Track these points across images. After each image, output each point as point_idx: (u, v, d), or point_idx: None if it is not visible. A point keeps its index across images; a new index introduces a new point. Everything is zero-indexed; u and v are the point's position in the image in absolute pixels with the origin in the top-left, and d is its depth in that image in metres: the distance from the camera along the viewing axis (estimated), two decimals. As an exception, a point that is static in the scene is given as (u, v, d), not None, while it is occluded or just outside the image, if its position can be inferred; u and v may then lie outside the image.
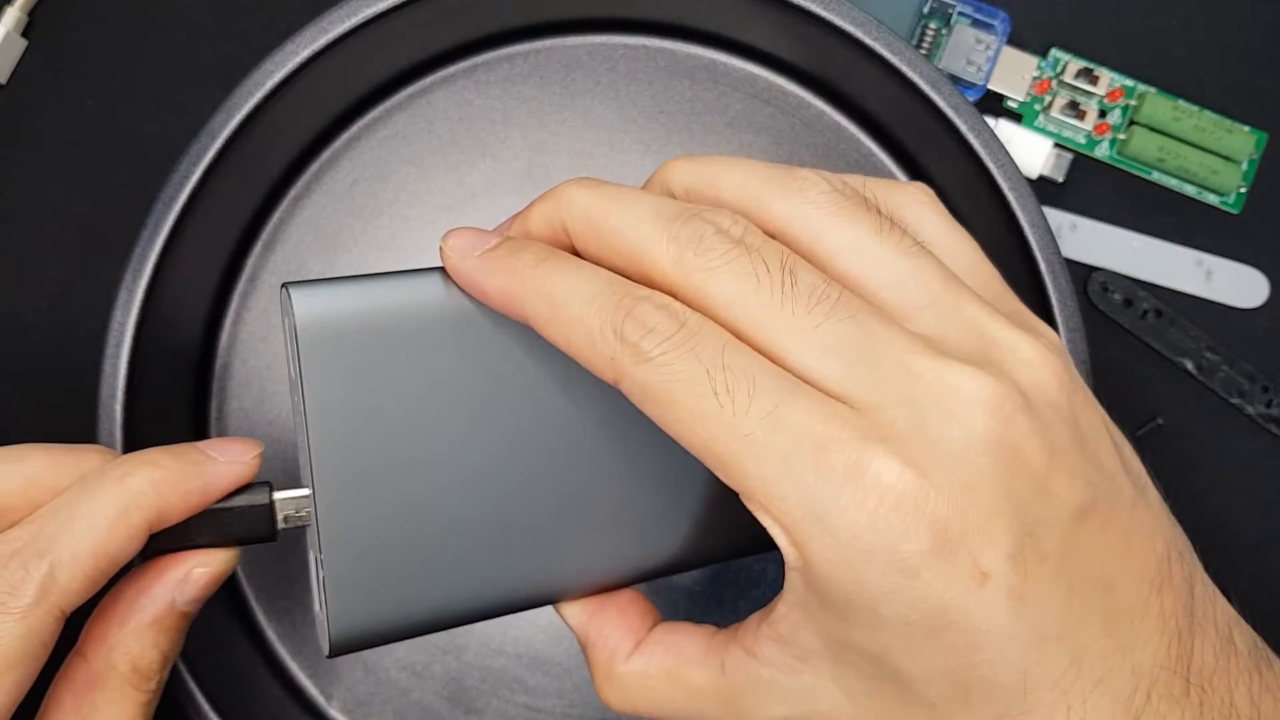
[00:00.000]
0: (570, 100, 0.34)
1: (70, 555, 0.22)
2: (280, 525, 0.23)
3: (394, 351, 0.22)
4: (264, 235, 0.33)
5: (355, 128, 0.33)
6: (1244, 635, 0.22)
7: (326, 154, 0.33)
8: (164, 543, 0.23)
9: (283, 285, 0.22)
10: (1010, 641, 0.20)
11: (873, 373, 0.20)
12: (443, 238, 0.23)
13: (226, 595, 0.32)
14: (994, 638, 0.20)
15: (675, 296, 0.21)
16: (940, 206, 0.24)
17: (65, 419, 0.34)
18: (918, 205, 0.24)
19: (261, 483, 0.23)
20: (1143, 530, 0.22)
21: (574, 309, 0.21)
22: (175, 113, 0.36)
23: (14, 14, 0.36)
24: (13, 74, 0.37)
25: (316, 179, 0.33)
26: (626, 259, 0.22)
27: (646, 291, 0.21)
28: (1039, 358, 0.21)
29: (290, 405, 0.33)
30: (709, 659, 0.23)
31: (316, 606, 0.24)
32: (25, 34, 0.37)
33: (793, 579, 0.21)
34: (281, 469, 0.32)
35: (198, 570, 0.23)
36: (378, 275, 0.23)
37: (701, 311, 0.21)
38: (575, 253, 0.23)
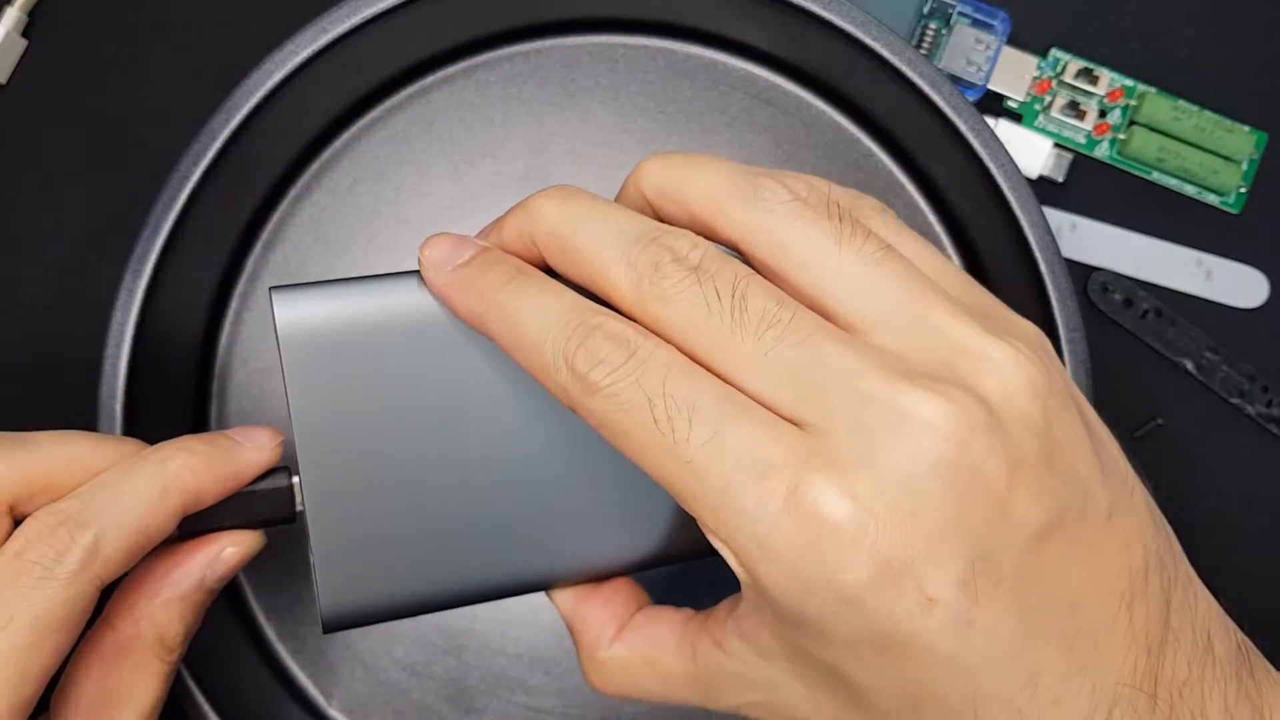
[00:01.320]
0: (570, 100, 0.34)
1: (114, 528, 0.23)
2: (298, 508, 0.25)
3: (373, 350, 0.24)
4: (264, 235, 0.33)
5: (355, 128, 0.33)
6: (1225, 640, 0.22)
7: (326, 154, 0.33)
8: (194, 524, 0.24)
9: (270, 289, 0.23)
10: (956, 664, 0.20)
11: (823, 397, 0.20)
12: (421, 246, 0.24)
13: (226, 595, 0.32)
14: (940, 660, 0.20)
15: (634, 319, 0.21)
16: (895, 216, 0.24)
17: (65, 419, 0.34)
18: (875, 213, 0.24)
19: (282, 468, 0.25)
20: (1118, 541, 0.21)
21: (531, 337, 0.22)
22: (175, 113, 0.36)
23: (14, 14, 0.36)
24: (12, 74, 0.37)
25: (316, 179, 0.33)
26: (588, 280, 0.22)
27: (601, 318, 0.21)
28: (1011, 365, 0.21)
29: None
30: (683, 647, 0.24)
31: (315, 589, 0.25)
32: (25, 34, 0.37)
33: (747, 593, 0.21)
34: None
35: (229, 550, 0.25)
36: (360, 279, 0.24)
37: (659, 336, 0.21)
38: (547, 266, 0.24)
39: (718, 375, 0.21)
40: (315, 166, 0.33)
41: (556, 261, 0.23)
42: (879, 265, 0.21)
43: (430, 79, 0.34)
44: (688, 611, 0.25)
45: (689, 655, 0.24)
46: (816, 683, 0.22)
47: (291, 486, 0.25)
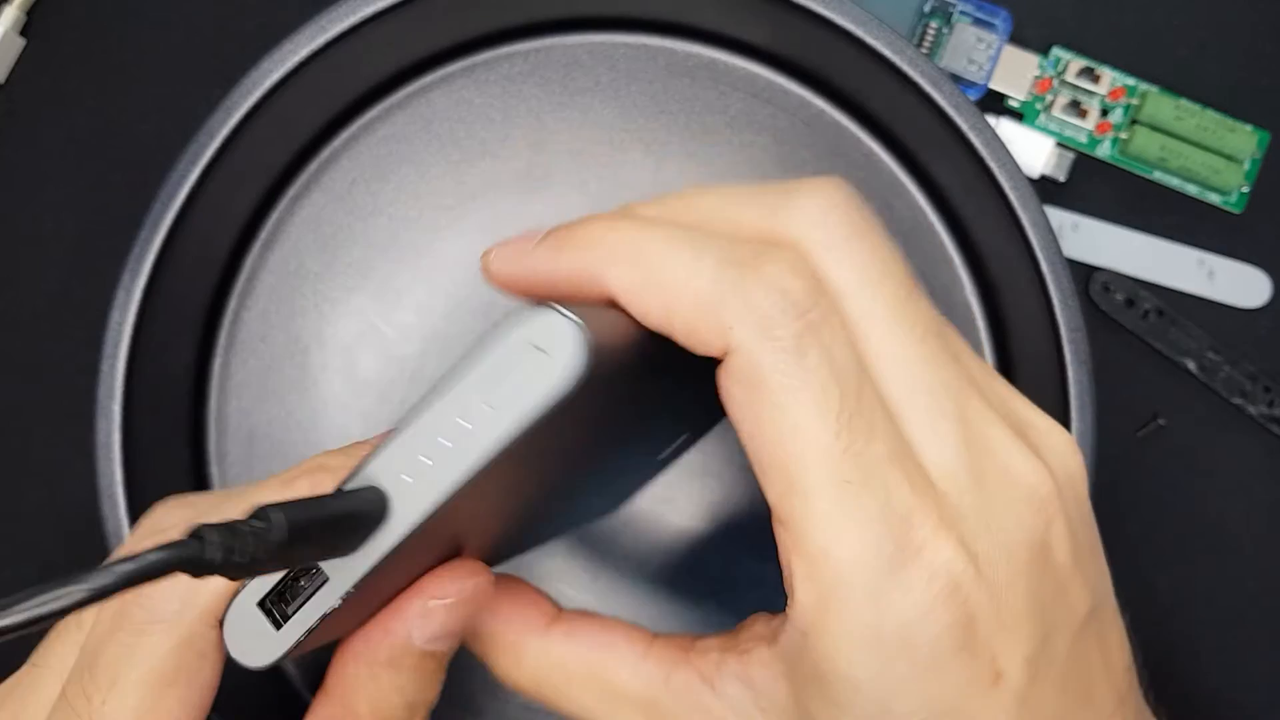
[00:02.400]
0: (570, 99, 0.33)
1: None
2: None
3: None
4: (262, 235, 0.33)
5: (354, 127, 0.33)
6: None
7: (325, 153, 0.33)
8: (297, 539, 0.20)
9: (552, 308, 0.18)
10: None
11: (961, 429, 0.19)
12: (483, 256, 0.21)
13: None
14: None
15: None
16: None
17: (64, 419, 0.34)
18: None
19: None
20: (1118, 639, 0.21)
21: (674, 268, 0.18)
22: (173, 112, 0.36)
23: (12, 13, 0.36)
24: (11, 73, 0.37)
25: (315, 178, 0.33)
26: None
27: (765, 245, 0.18)
28: (1069, 450, 0.20)
29: (285, 407, 0.33)
30: (646, 667, 0.21)
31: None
32: (24, 33, 0.37)
33: (792, 639, 0.19)
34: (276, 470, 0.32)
35: (433, 602, 0.21)
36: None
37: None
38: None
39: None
40: (314, 166, 0.33)
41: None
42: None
43: (429, 78, 0.33)
44: (645, 631, 0.22)
45: (657, 679, 0.21)
46: None
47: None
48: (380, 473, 0.19)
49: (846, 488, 0.18)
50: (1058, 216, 0.36)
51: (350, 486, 0.19)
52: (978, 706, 0.19)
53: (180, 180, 0.31)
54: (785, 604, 0.20)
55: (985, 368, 0.21)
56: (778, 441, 0.18)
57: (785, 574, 0.19)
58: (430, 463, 0.19)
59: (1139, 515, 0.35)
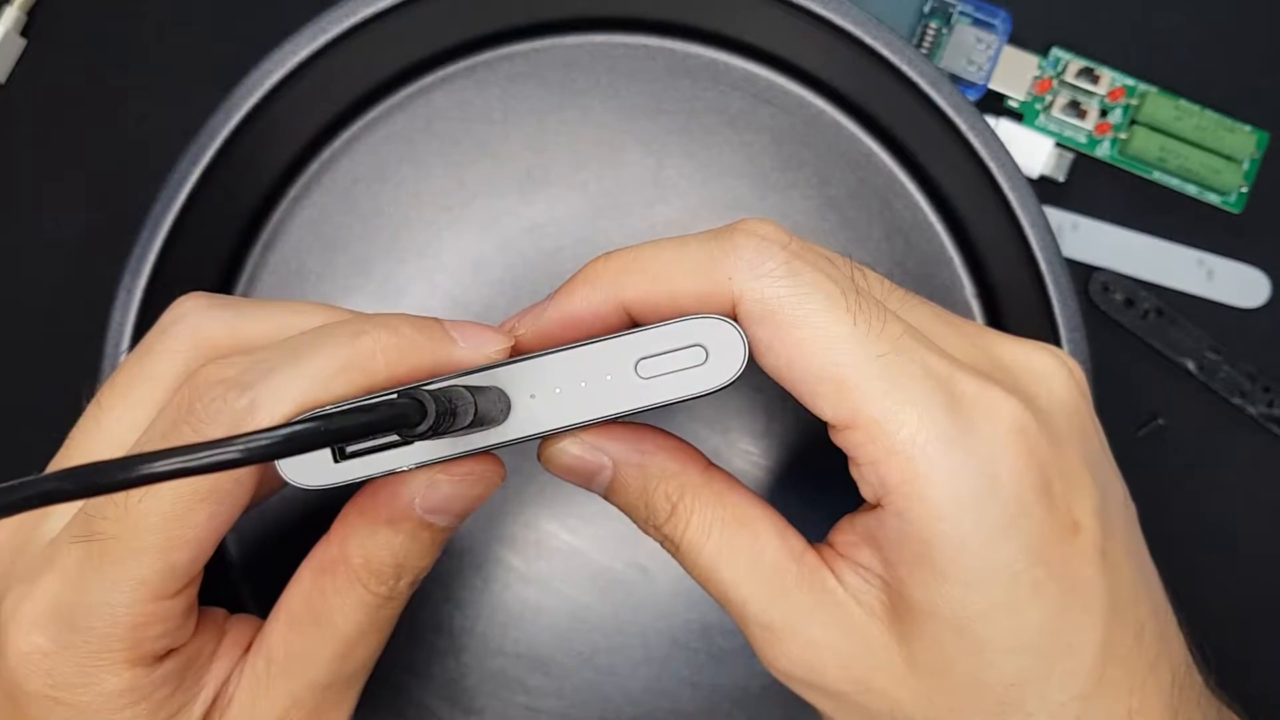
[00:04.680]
0: (570, 100, 0.34)
1: (274, 396, 0.20)
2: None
3: None
4: (263, 235, 0.33)
5: (355, 127, 0.33)
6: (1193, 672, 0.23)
7: (326, 153, 0.33)
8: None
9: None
10: (1096, 601, 0.20)
11: (964, 340, 0.22)
12: (510, 333, 0.22)
13: (225, 596, 0.32)
14: (1083, 596, 0.20)
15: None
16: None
17: (64, 420, 0.34)
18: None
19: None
20: (1142, 543, 0.23)
21: (668, 260, 0.21)
22: (174, 112, 0.36)
23: (13, 13, 0.36)
24: (11, 73, 0.37)
25: (316, 179, 0.33)
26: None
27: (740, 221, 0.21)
28: (1056, 368, 0.22)
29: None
30: (788, 540, 0.22)
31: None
32: (24, 33, 0.37)
33: (889, 530, 0.20)
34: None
35: (440, 478, 0.22)
36: None
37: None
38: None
39: None
40: (315, 166, 0.33)
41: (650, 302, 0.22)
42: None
43: (429, 78, 0.33)
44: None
45: (792, 553, 0.22)
46: (920, 652, 0.20)
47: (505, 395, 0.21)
48: (510, 381, 0.21)
49: (884, 360, 0.19)
50: (1057, 217, 0.36)
51: (480, 382, 0.21)
52: (1066, 554, 0.20)
53: (181, 180, 0.31)
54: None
55: (960, 322, 0.23)
56: (809, 354, 0.20)
57: (864, 472, 0.20)
58: (560, 394, 0.21)
59: (1139, 514, 0.35)
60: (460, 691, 0.32)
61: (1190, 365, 0.36)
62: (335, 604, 0.22)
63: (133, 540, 0.20)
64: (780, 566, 0.22)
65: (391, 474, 0.21)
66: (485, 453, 0.22)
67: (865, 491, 0.21)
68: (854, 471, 0.21)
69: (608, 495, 0.23)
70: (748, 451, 0.32)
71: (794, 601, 0.21)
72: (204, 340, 0.23)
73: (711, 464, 0.23)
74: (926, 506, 0.20)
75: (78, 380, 0.32)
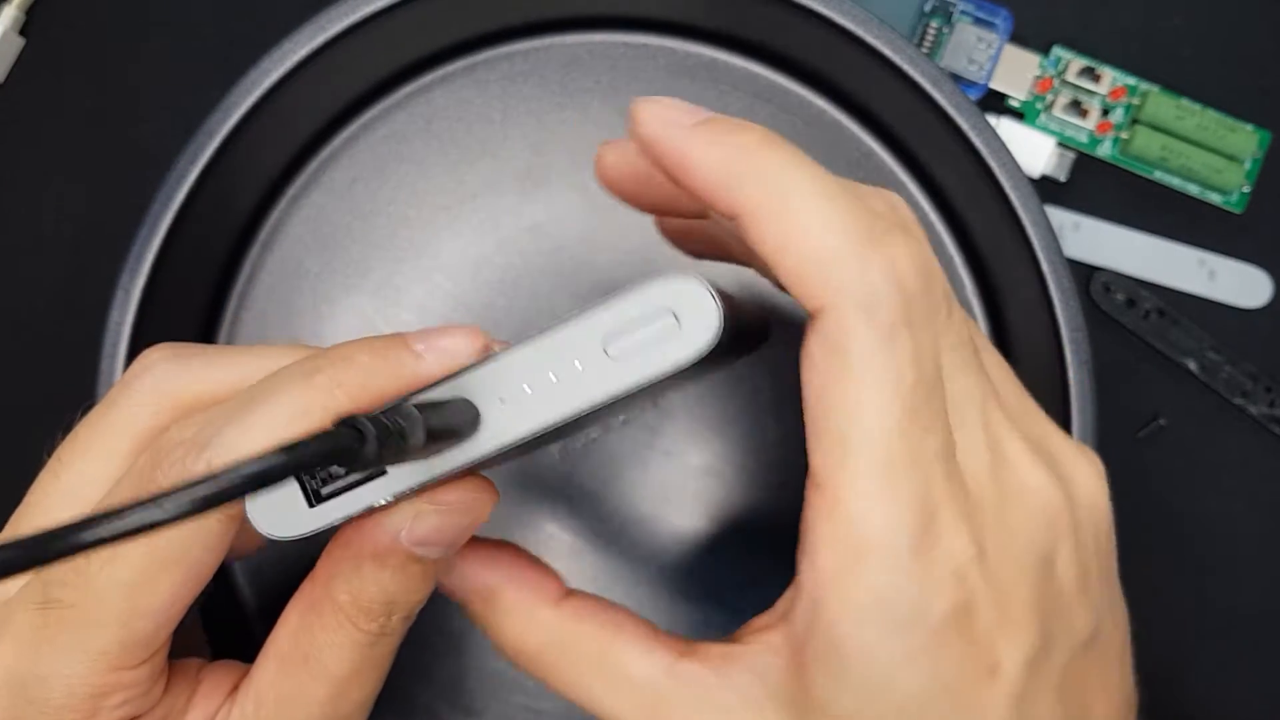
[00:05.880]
0: (570, 99, 0.33)
1: (229, 452, 0.19)
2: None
3: None
4: (262, 234, 0.33)
5: (354, 126, 0.33)
6: None
7: (325, 152, 0.33)
8: None
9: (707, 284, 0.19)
10: None
11: (987, 437, 0.20)
12: (633, 106, 0.20)
13: (224, 596, 0.32)
14: None
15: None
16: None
17: (61, 419, 0.34)
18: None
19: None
20: (1120, 672, 0.22)
21: (810, 212, 0.19)
22: (173, 111, 0.36)
23: (11, 12, 0.36)
24: (10, 72, 0.36)
25: (315, 178, 0.33)
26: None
27: (900, 231, 0.19)
28: (1094, 479, 0.21)
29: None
30: (655, 654, 0.21)
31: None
32: (23, 32, 0.36)
33: (804, 610, 0.19)
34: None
35: (427, 508, 0.20)
36: None
37: None
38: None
39: None
40: (313, 165, 0.33)
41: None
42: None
43: (429, 77, 0.33)
44: (650, 624, 0.22)
45: (662, 666, 0.21)
46: None
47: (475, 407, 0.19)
48: (475, 388, 0.19)
49: (894, 469, 0.18)
50: (1058, 216, 0.36)
51: (443, 395, 0.19)
52: (974, 695, 0.19)
53: (179, 180, 0.31)
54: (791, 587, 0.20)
55: (1018, 387, 0.22)
56: (842, 410, 0.18)
57: (806, 539, 0.19)
58: (530, 392, 0.19)
59: (1140, 516, 0.35)
60: (461, 692, 0.32)
61: (1192, 365, 0.36)
62: (324, 643, 0.21)
63: (92, 610, 0.20)
64: (653, 681, 0.21)
65: (370, 510, 0.20)
66: (474, 475, 0.21)
67: (800, 549, 0.20)
68: (802, 519, 0.20)
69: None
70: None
71: (672, 712, 0.21)
72: (166, 395, 0.22)
73: (568, 590, 0.22)
74: (843, 607, 0.19)
75: (76, 381, 0.32)
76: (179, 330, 0.32)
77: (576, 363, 0.18)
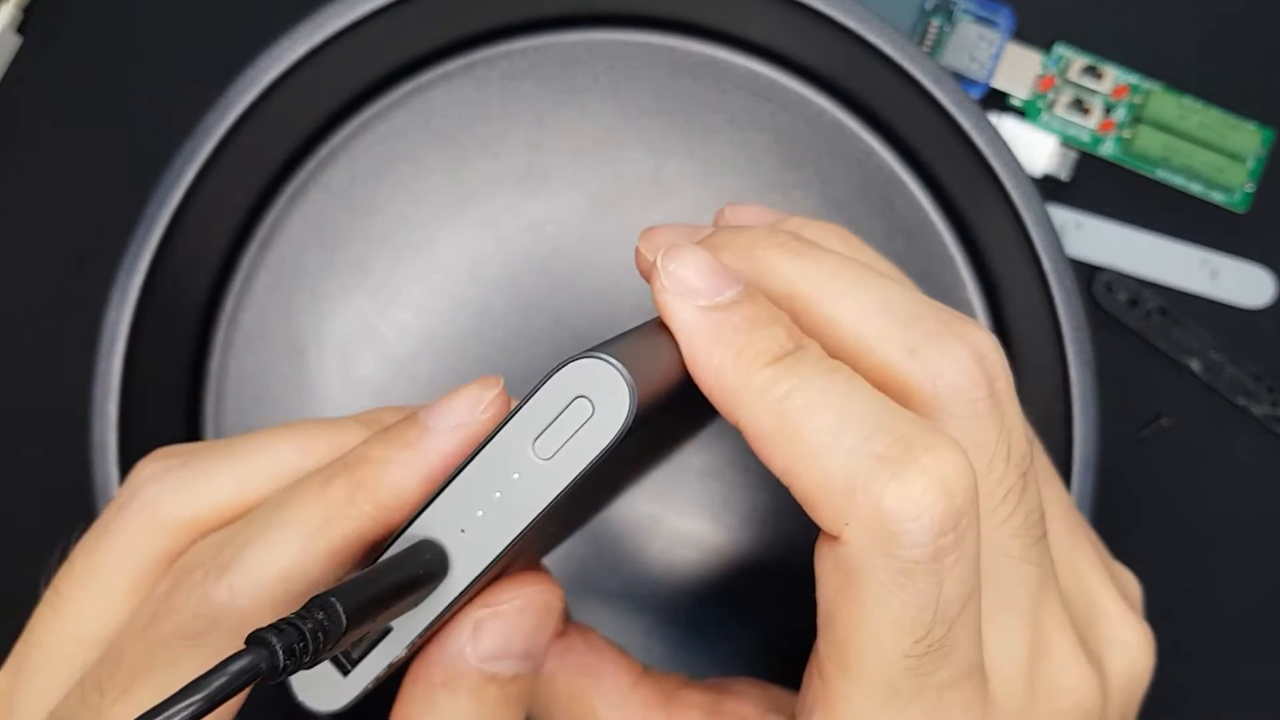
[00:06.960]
0: (569, 97, 0.33)
1: (254, 578, 0.18)
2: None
3: None
4: (260, 233, 0.33)
5: (352, 125, 0.33)
6: None
7: (323, 151, 0.33)
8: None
9: (598, 356, 0.18)
10: None
11: (1029, 634, 0.19)
12: (656, 245, 0.19)
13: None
14: None
15: (911, 409, 0.18)
16: None
17: (60, 419, 0.34)
18: None
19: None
20: None
21: (814, 431, 0.17)
22: (171, 110, 0.36)
23: (9, 10, 0.36)
24: (7, 71, 0.36)
25: (313, 176, 0.33)
26: (845, 355, 0.18)
27: (920, 433, 0.17)
28: (1137, 646, 0.21)
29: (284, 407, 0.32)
30: (628, 707, 0.21)
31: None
32: (20, 31, 0.36)
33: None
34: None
35: (484, 612, 0.19)
36: None
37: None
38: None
39: None
40: (312, 164, 0.33)
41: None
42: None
43: (428, 75, 0.33)
44: (636, 663, 0.21)
45: (631, 714, 0.20)
46: None
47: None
48: (436, 525, 0.19)
49: (896, 697, 0.17)
50: (1060, 215, 0.36)
51: (405, 541, 0.19)
52: None
53: (176, 178, 0.31)
54: (780, 678, 0.20)
55: (1077, 537, 0.21)
56: (851, 631, 0.17)
57: (804, 704, 0.19)
58: (483, 514, 0.18)
59: (1142, 516, 0.35)
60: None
61: (1194, 365, 0.36)
62: None
63: None
64: None
65: (393, 666, 0.19)
66: (529, 568, 0.20)
67: (798, 707, 0.19)
68: (805, 678, 0.19)
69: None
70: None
71: None
72: (163, 522, 0.21)
73: (645, 671, 0.21)
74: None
75: (74, 381, 0.32)
76: (176, 329, 0.32)
77: (515, 474, 0.18)
